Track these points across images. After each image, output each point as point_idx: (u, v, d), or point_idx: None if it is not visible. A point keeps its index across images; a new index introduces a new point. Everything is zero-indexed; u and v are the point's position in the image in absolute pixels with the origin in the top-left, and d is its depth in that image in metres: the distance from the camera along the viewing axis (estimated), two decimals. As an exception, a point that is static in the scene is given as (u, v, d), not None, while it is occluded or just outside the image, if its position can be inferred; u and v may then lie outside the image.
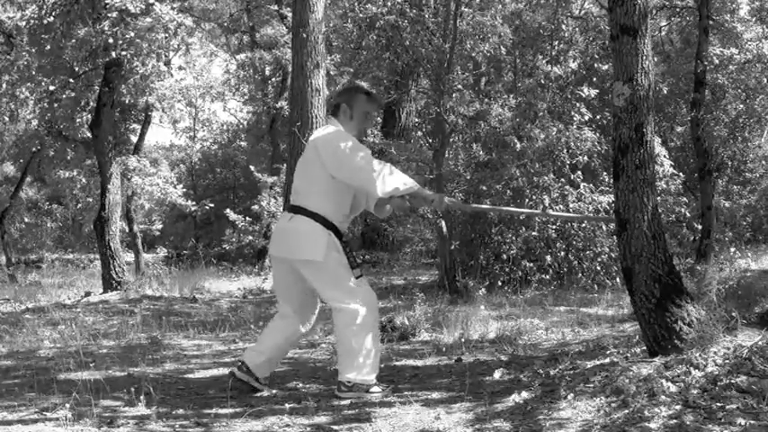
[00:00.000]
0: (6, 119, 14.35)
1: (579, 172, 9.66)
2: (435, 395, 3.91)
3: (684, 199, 10.49)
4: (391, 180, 3.86)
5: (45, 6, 9.34)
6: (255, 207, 16.51)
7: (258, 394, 4.09)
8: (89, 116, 11.00)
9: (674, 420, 2.90)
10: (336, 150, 3.91)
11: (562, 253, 9.26)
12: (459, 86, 9.79)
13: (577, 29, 11.56)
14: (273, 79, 20.35)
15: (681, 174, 10.69)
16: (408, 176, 3.99)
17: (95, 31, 8.79)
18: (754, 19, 14.03)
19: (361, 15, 9.15)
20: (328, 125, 4.14)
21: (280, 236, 4.11)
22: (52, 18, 9.17)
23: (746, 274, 8.15)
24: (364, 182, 3.87)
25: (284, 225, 4.10)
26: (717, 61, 12.52)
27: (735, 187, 14.95)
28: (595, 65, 11.09)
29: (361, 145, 3.96)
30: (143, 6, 8.72)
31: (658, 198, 5.25)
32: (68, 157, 15.55)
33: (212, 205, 20.51)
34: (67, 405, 3.55)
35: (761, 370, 3.21)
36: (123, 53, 8.81)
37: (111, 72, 9.47)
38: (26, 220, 20.78)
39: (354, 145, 3.92)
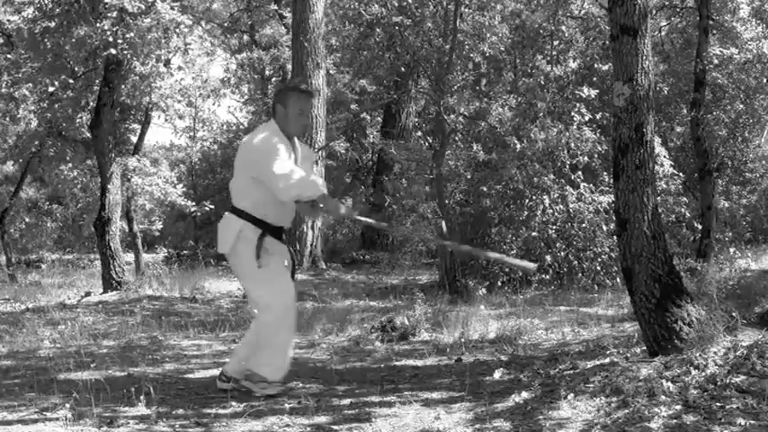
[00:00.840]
0: (7, 119, 14.34)
1: (579, 172, 9.66)
2: (435, 395, 3.91)
3: (684, 199, 10.49)
4: (296, 185, 3.85)
5: (44, 7, 9.34)
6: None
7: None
8: (89, 116, 10.99)
9: (674, 420, 2.90)
10: (253, 153, 4.00)
11: (562, 253, 9.26)
12: (459, 86, 9.80)
13: (577, 29, 11.56)
14: (274, 79, 20.35)
15: (681, 174, 10.69)
16: (318, 184, 3.94)
17: (95, 30, 8.79)
18: (754, 20, 14.03)
19: (367, 17, 9.15)
20: (261, 127, 4.21)
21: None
22: (52, 24, 9.17)
23: (746, 274, 8.15)
24: (270, 184, 3.91)
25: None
26: (717, 61, 12.53)
27: (735, 187, 14.95)
28: (595, 65, 11.09)
29: (279, 149, 3.95)
30: (142, 6, 8.72)
31: (658, 198, 5.25)
32: (68, 158, 15.54)
33: (212, 207, 20.49)
34: (67, 405, 3.55)
35: (761, 370, 3.21)
36: (123, 53, 8.81)
37: (111, 72, 9.46)
38: (26, 219, 20.78)
39: (271, 149, 3.94)
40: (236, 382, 4.14)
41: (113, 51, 8.72)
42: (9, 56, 11.14)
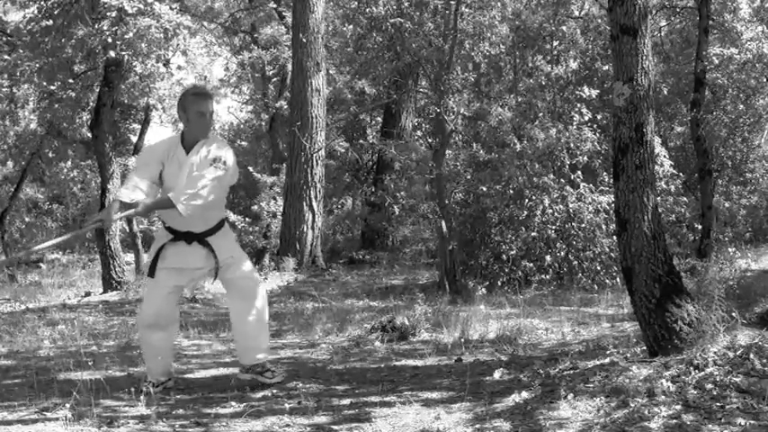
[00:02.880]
0: (6, 119, 14.34)
1: (579, 172, 9.66)
2: (435, 395, 3.91)
3: (684, 199, 10.48)
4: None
5: (44, 7, 9.34)
6: (255, 207, 16.51)
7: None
8: (89, 116, 10.99)
9: (674, 420, 2.90)
10: None
11: (562, 253, 9.26)
12: (459, 86, 9.79)
13: (577, 29, 11.56)
14: (274, 79, 20.35)
15: (681, 174, 10.69)
16: (122, 193, 4.11)
17: (94, 30, 8.78)
18: (755, 18, 14.03)
19: (366, 18, 9.15)
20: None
21: None
22: (52, 22, 9.16)
23: (746, 274, 8.14)
24: None
25: None
26: (717, 61, 12.53)
27: (735, 187, 14.94)
28: (595, 65, 11.09)
29: (140, 158, 4.36)
30: (141, 6, 8.71)
31: (658, 198, 5.25)
32: (68, 158, 15.55)
33: None
34: (67, 405, 3.55)
35: (760, 370, 3.21)
36: (122, 53, 8.80)
37: (110, 72, 9.46)
38: (26, 219, 20.77)
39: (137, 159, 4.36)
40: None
41: (112, 54, 8.72)
42: (7, 56, 11.14)
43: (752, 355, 3.34)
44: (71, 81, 10.42)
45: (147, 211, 4.20)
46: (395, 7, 9.05)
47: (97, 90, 10.13)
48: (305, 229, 12.43)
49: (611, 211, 8.78)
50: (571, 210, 9.38)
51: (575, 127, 9.76)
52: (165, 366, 4.34)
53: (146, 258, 4.62)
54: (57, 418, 3.51)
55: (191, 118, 4.13)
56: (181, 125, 4.29)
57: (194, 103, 4.15)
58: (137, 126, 16.22)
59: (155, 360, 4.28)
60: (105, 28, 8.63)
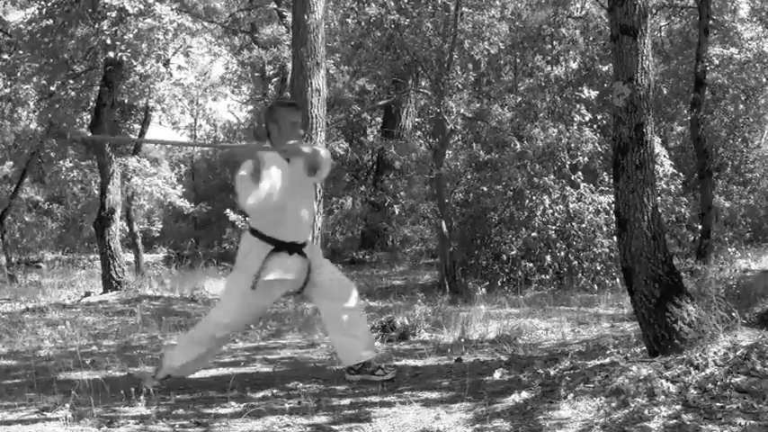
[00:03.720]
0: (6, 119, 14.34)
1: (579, 172, 9.66)
2: (435, 395, 3.91)
3: (684, 199, 10.49)
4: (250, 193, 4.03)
5: (44, 7, 9.34)
6: (255, 207, 16.47)
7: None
8: (89, 116, 10.99)
9: (674, 420, 2.90)
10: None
11: (562, 253, 9.26)
12: (459, 86, 9.79)
13: (577, 29, 11.56)
14: (274, 79, 20.36)
15: (681, 174, 10.69)
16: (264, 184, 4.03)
17: (94, 30, 8.78)
18: (754, 18, 14.02)
19: (364, 18, 9.15)
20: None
21: None
22: (52, 22, 9.16)
23: (746, 274, 8.14)
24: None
25: None
26: (717, 61, 12.53)
27: (735, 187, 14.95)
28: (595, 65, 11.09)
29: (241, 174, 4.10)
30: (141, 6, 8.70)
31: (658, 198, 5.25)
32: (68, 157, 15.54)
33: (210, 208, 20.52)
34: (67, 405, 3.55)
35: (761, 370, 3.21)
36: (122, 53, 8.80)
37: (110, 72, 9.46)
38: (26, 219, 20.77)
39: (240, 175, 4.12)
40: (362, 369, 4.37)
41: (111, 54, 8.71)
42: (6, 56, 11.14)
43: (752, 356, 3.34)
44: (71, 81, 10.42)
45: (297, 153, 4.06)
46: (393, 5, 9.04)
47: (97, 90, 10.13)
48: (305, 230, 12.40)
49: (612, 212, 8.79)
50: (571, 210, 9.38)
51: (575, 127, 9.77)
52: (196, 368, 4.36)
53: (234, 267, 4.51)
54: (57, 418, 3.51)
55: (283, 129, 4.17)
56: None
57: (287, 114, 4.22)
58: (137, 126, 16.23)
59: (192, 361, 4.24)
60: (105, 28, 8.62)
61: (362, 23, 9.42)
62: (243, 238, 4.31)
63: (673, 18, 14.97)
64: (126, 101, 12.42)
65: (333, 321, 4.32)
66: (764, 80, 13.23)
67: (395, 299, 8.26)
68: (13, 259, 16.23)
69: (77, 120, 12.19)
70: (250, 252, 4.16)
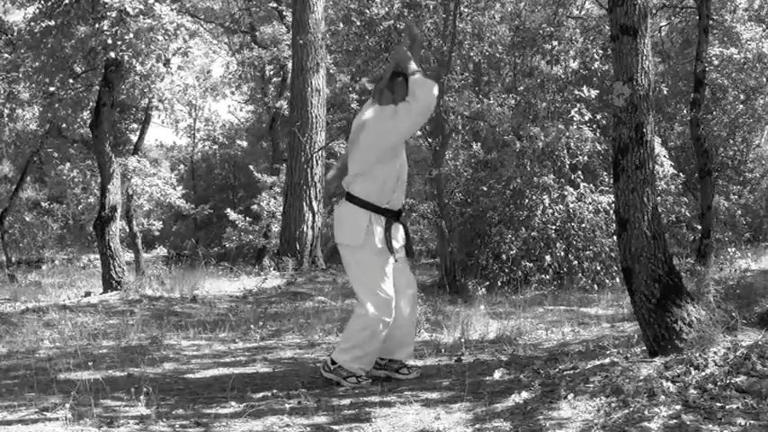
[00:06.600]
0: (6, 119, 14.34)
1: (579, 172, 9.66)
2: (435, 395, 3.91)
3: (684, 199, 10.48)
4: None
5: (44, 7, 9.33)
6: (255, 207, 16.52)
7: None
8: (89, 116, 10.99)
9: (674, 420, 2.90)
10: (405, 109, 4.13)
11: (562, 253, 9.26)
12: (459, 86, 9.79)
13: (577, 29, 11.56)
14: (274, 79, 20.37)
15: (681, 174, 10.68)
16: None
17: (94, 30, 8.78)
18: (754, 18, 14.02)
19: (361, 21, 9.14)
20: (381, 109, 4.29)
21: (334, 222, 4.41)
22: (52, 22, 9.16)
23: (746, 274, 8.14)
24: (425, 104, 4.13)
25: (335, 211, 4.38)
26: (717, 61, 12.52)
27: (735, 187, 14.95)
28: (595, 65, 11.09)
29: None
30: (141, 7, 8.70)
31: (658, 198, 5.25)
32: (68, 158, 15.55)
33: (211, 210, 20.53)
34: (67, 405, 3.55)
35: (761, 370, 3.21)
36: (122, 53, 8.79)
37: (110, 72, 9.46)
38: (26, 219, 20.78)
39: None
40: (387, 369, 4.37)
41: (111, 54, 8.71)
42: (7, 56, 11.14)
43: (752, 356, 3.34)
44: (71, 81, 10.41)
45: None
46: (387, 10, 9.04)
47: (97, 90, 10.12)
48: (305, 229, 12.43)
49: (611, 211, 8.79)
50: (571, 210, 9.38)
51: (574, 127, 9.77)
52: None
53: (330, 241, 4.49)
54: (57, 418, 3.51)
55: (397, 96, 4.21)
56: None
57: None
58: (137, 126, 16.23)
59: (374, 354, 4.23)
60: (105, 28, 8.62)
61: (356, 28, 9.41)
62: (350, 214, 4.18)
63: (673, 18, 14.97)
64: (126, 101, 12.42)
65: (404, 313, 4.29)
66: (765, 80, 13.22)
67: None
68: (13, 259, 16.24)
69: (77, 120, 12.18)
70: (371, 224, 4.12)
